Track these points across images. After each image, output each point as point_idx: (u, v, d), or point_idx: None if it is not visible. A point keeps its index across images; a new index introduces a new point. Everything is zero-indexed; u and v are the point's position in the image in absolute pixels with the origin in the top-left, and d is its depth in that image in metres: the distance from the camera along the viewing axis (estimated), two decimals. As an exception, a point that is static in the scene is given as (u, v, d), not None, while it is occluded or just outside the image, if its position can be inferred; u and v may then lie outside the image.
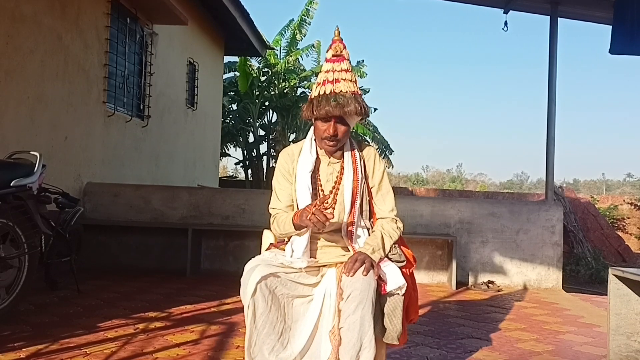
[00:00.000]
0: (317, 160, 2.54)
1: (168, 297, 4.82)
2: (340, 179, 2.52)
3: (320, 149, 2.52)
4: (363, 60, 18.31)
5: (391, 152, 18.39)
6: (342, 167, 2.52)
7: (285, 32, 17.68)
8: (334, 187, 2.51)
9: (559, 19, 6.46)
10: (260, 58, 16.62)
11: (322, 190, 2.52)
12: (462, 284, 6.08)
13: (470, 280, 6.21)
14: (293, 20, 17.63)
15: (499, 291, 5.88)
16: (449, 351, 3.41)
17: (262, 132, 17.97)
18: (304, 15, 17.34)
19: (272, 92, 17.64)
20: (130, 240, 6.43)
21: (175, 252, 6.31)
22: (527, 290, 6.02)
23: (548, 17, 6.52)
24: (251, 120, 17.33)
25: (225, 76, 15.63)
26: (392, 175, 52.84)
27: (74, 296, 4.67)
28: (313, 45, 17.81)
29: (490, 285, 6.02)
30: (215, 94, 12.13)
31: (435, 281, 6.26)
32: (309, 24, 17.51)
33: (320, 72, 2.51)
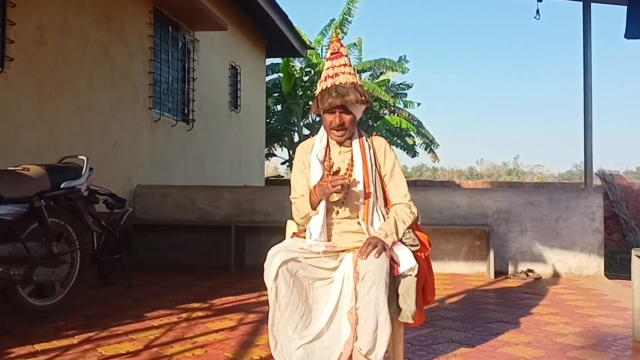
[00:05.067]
0: (329, 150, 2.73)
1: (212, 290, 5.08)
2: (351, 166, 2.70)
3: (332, 139, 2.71)
4: (405, 56, 18.34)
5: (436, 146, 18.33)
6: (352, 155, 2.71)
7: (326, 32, 17.89)
8: (345, 174, 2.70)
9: (592, 4, 6.40)
10: (302, 58, 16.88)
11: None
12: (501, 273, 6.11)
13: (510, 269, 6.24)
14: (334, 19, 17.82)
15: (538, 279, 5.89)
16: (475, 334, 3.52)
17: (306, 132, 18.23)
18: (345, 14, 17.51)
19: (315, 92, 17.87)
20: (178, 239, 6.75)
21: (220, 248, 6.60)
22: (567, 278, 6.01)
23: (581, 2, 6.47)
24: (295, 120, 17.61)
25: (268, 78, 15.97)
26: (445, 170, 52.15)
27: (125, 290, 4.99)
28: (354, 44, 17.97)
29: (529, 273, 6.04)
30: (259, 96, 12.43)
31: (474, 271, 6.32)
32: (350, 23, 17.66)
33: (322, 71, 2.72)
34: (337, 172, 2.57)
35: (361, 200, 2.68)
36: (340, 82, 2.61)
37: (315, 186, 2.61)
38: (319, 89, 2.69)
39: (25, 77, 5.11)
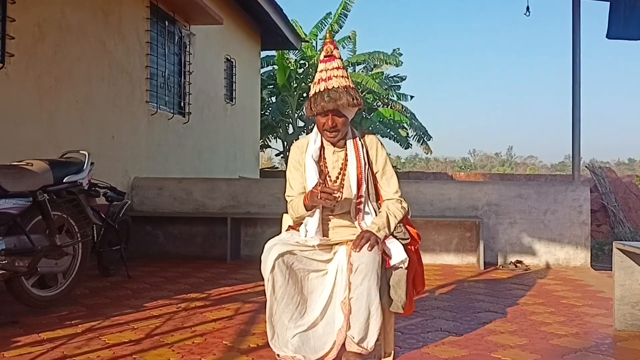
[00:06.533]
0: (323, 150, 2.85)
1: (209, 280, 5.22)
2: (345, 165, 2.82)
3: (325, 140, 2.83)
4: (398, 49, 18.41)
5: (429, 137, 18.47)
6: (346, 155, 2.83)
7: (322, 25, 17.95)
8: (339, 173, 2.82)
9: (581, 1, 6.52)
10: (297, 51, 16.95)
11: (329, 176, 2.83)
12: (491, 264, 6.27)
13: (499, 260, 6.40)
14: (331, 13, 17.88)
15: (526, 270, 6.05)
16: (463, 323, 3.67)
17: (300, 124, 18.33)
18: (343, 9, 17.57)
19: (310, 84, 17.98)
20: (175, 230, 6.88)
21: (216, 239, 6.74)
22: (554, 269, 6.17)
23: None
24: (290, 111, 17.70)
25: (263, 70, 16.03)
26: (438, 161, 52.24)
27: (124, 281, 5.12)
28: (349, 37, 18.06)
29: (518, 265, 6.20)
30: (254, 88, 12.53)
31: (464, 262, 6.47)
32: (347, 17, 17.72)
33: (316, 72, 2.82)
34: (325, 181, 2.62)
35: (354, 197, 2.81)
36: (333, 86, 2.71)
37: (309, 191, 2.71)
38: (312, 92, 2.79)
39: (25, 72, 5.21)
